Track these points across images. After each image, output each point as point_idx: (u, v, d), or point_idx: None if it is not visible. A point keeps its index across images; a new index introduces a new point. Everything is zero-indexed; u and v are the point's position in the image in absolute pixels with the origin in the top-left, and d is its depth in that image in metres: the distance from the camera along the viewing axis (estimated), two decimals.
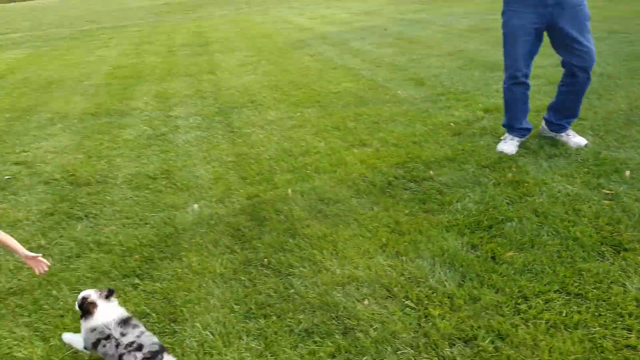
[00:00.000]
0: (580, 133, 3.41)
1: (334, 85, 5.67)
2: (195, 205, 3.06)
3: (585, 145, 3.22)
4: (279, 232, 2.67)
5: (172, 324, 2.06)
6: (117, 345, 1.70)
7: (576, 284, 2.01)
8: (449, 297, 2.05)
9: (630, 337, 1.73)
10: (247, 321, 2.05)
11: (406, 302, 2.06)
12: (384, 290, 2.15)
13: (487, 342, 1.80)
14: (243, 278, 2.32)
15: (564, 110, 3.27)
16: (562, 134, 3.33)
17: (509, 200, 2.71)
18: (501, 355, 1.73)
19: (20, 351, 2.02)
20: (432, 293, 2.09)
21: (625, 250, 2.17)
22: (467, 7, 11.07)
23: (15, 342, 2.07)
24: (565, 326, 1.82)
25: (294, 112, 4.77)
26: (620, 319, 1.81)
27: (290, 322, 2.01)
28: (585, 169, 2.93)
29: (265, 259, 2.44)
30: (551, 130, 3.39)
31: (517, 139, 3.36)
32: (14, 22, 19.93)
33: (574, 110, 3.28)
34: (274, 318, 2.04)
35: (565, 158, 3.13)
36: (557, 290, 2.00)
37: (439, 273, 2.20)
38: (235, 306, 2.14)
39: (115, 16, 18.64)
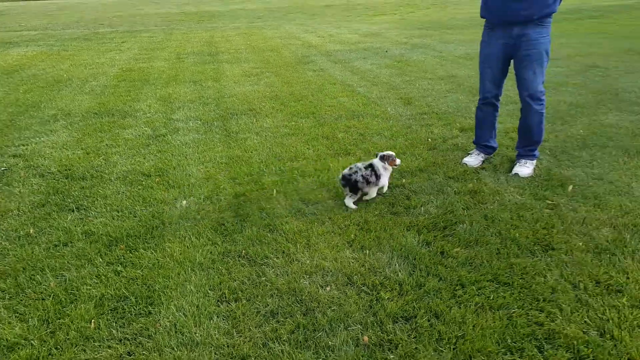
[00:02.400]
0: (541, 151, 3.74)
1: (330, 99, 6.03)
2: (184, 201, 3.32)
3: (524, 176, 3.40)
4: (260, 227, 2.94)
5: (148, 307, 2.26)
6: None
7: (506, 275, 2.34)
8: (399, 284, 2.36)
9: (540, 316, 2.06)
10: (219, 304, 2.28)
11: (363, 288, 2.36)
12: (345, 278, 2.45)
13: (424, 319, 2.11)
14: (220, 267, 2.56)
15: (520, 138, 3.57)
16: (518, 161, 3.57)
17: (465, 206, 3.05)
18: (434, 330, 2.05)
19: None
20: (386, 280, 2.40)
21: (553, 249, 2.51)
22: (466, 36, 11.49)
23: None
24: (490, 307, 2.14)
25: (289, 122, 5.12)
26: (536, 302, 2.15)
27: (259, 305, 2.27)
28: (536, 183, 3.28)
29: (243, 251, 2.70)
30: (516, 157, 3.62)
31: (482, 154, 3.70)
32: (30, 20, 20.45)
33: (531, 139, 3.50)
34: (244, 301, 2.29)
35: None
36: (490, 279, 2.33)
37: (395, 264, 2.52)
38: (209, 291, 2.36)
39: (131, 21, 19.18)
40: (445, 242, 2.66)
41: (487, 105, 3.62)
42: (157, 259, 2.66)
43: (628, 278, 2.27)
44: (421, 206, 3.10)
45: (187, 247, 2.77)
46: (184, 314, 2.22)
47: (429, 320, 2.11)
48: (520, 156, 3.57)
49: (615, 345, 1.89)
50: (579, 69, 6.93)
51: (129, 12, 23.69)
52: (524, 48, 3.30)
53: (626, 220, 2.75)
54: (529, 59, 3.32)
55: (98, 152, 4.36)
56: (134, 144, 4.56)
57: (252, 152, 4.24)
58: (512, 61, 3.46)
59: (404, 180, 3.50)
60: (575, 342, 1.92)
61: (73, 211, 3.24)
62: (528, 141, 3.52)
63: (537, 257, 2.47)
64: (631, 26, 11.87)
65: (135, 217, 3.15)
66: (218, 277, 2.48)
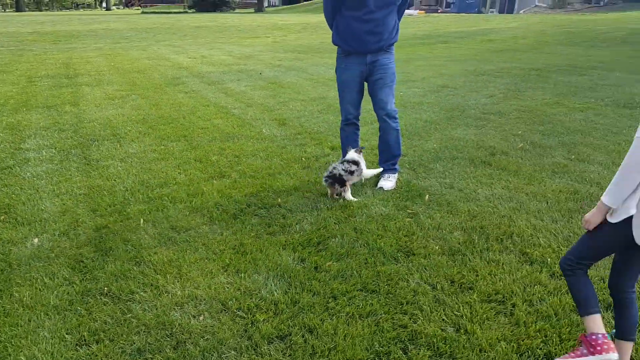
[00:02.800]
0: (402, 165, 4.08)
1: (203, 121, 5.91)
2: (36, 239, 2.99)
3: (388, 189, 3.66)
4: (124, 261, 2.74)
5: None
6: None
7: (374, 283, 2.47)
8: (275, 304, 2.36)
9: (404, 319, 2.21)
10: (78, 348, 2.07)
11: (238, 312, 2.31)
12: (219, 304, 2.37)
13: (298, 336, 2.13)
14: (79, 308, 2.33)
15: (381, 154, 3.85)
16: (382, 175, 3.81)
17: (337, 221, 3.17)
18: (307, 345, 2.07)
19: None
20: (262, 302, 2.38)
21: (414, 254, 2.72)
22: (335, 60, 12.12)
23: None
24: (360, 316, 2.24)
25: (158, 146, 4.89)
26: (400, 306, 2.30)
27: (124, 344, 2.10)
28: (398, 195, 3.55)
29: (106, 288, 2.49)
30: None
31: None
32: None
33: (391, 154, 3.81)
34: (107, 342, 2.11)
35: None
36: (360, 289, 2.44)
37: (271, 284, 2.51)
38: (66, 335, 2.15)
39: None
40: (318, 257, 2.73)
41: (349, 126, 3.90)
42: (2, 307, 2.35)
43: (477, 275, 2.53)
44: (296, 224, 3.15)
45: (40, 289, 2.49)
46: None
47: (303, 336, 2.13)
48: (384, 171, 3.84)
49: (468, 339, 2.09)
50: (432, 89, 7.72)
51: None
52: (377, 73, 3.67)
53: (474, 223, 3.09)
54: (382, 82, 3.68)
55: None
56: None
57: (115, 180, 3.96)
58: (366, 84, 3.78)
59: (279, 200, 3.53)
60: (434, 340, 2.08)
61: None
62: (389, 156, 3.83)
63: (400, 263, 2.66)
64: (474, 50, 13.59)
65: None
66: (76, 319, 2.26)
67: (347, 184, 3.47)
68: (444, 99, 6.93)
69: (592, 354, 1.78)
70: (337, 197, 3.53)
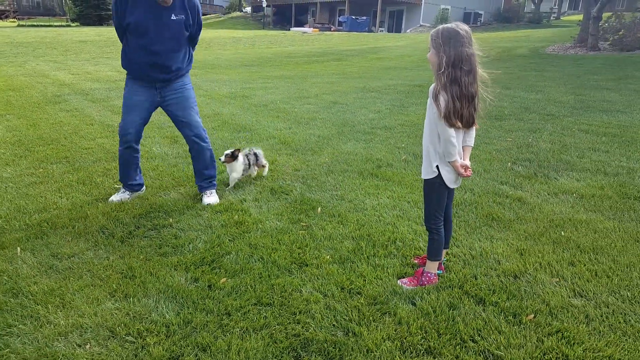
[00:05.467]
0: (295, 180, 4.22)
1: (87, 141, 5.57)
2: None
3: (216, 204, 3.75)
4: None
5: None
6: None
7: (268, 296, 2.54)
8: (166, 326, 2.32)
9: (297, 328, 2.30)
10: None
11: (127, 338, 2.24)
12: (107, 331, 2.28)
13: (191, 356, 2.12)
14: None
15: (198, 174, 3.90)
16: (202, 193, 3.88)
17: (232, 237, 3.19)
18: None
19: None
20: (152, 325, 2.32)
21: (307, 265, 2.84)
22: (230, 76, 12.14)
23: None
24: (254, 329, 2.28)
25: (35, 169, 4.52)
26: (293, 316, 2.38)
27: None
28: (292, 208, 3.66)
29: None
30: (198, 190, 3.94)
31: (128, 192, 3.91)
32: None
33: (209, 172, 3.89)
34: None
35: (280, 201, 3.84)
36: (254, 303, 2.48)
37: (162, 307, 2.46)
38: None
39: None
40: (212, 275, 2.73)
41: (129, 149, 3.75)
42: None
43: (365, 280, 2.70)
44: (189, 243, 3.12)
45: None
46: None
47: (196, 356, 2.12)
48: (204, 188, 3.89)
49: (357, 341, 2.23)
50: (325, 105, 8.05)
51: None
52: (172, 98, 3.64)
53: (362, 232, 3.29)
54: (182, 105, 3.68)
55: None
56: None
57: None
58: (162, 109, 3.74)
59: (171, 220, 3.46)
60: (325, 345, 2.19)
61: None
62: (208, 175, 3.89)
63: (293, 274, 2.75)
64: (364, 67, 14.40)
65: None
66: None
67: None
68: (335, 114, 7.27)
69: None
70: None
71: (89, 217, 3.49)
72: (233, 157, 3.97)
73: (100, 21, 40.06)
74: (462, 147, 2.47)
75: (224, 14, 52.84)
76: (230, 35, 28.08)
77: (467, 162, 2.48)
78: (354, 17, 39.03)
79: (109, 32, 27.68)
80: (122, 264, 2.88)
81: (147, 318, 2.38)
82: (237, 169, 4.02)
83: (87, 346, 2.18)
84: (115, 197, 3.87)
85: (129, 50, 3.49)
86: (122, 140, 3.71)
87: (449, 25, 2.28)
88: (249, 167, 4.11)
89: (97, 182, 4.21)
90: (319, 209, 3.65)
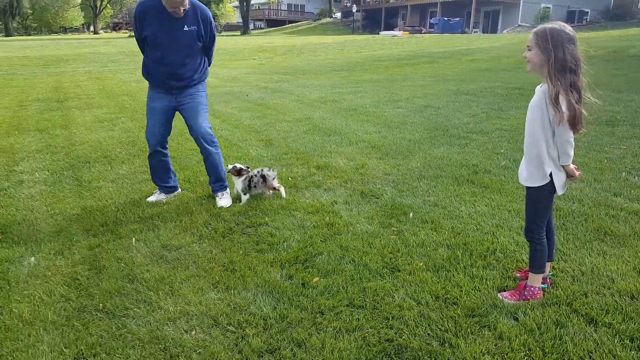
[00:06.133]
0: (386, 184, 4.20)
1: (191, 142, 5.92)
2: (32, 258, 3.06)
3: (227, 207, 3.88)
4: (118, 279, 2.81)
5: None
6: None
7: (360, 299, 2.55)
8: (264, 319, 2.42)
9: (390, 333, 2.28)
10: None
11: (228, 327, 2.38)
12: (210, 320, 2.44)
13: (287, 350, 2.19)
14: (76, 323, 2.41)
15: (210, 176, 4.06)
16: (215, 195, 4.04)
17: (323, 238, 3.26)
18: (296, 359, 2.13)
19: None
20: (251, 317, 2.44)
21: (399, 271, 2.81)
22: (320, 81, 12.39)
23: None
24: (347, 330, 2.31)
25: (147, 167, 4.93)
26: (386, 320, 2.37)
27: (120, 357, 2.18)
28: (383, 213, 3.65)
29: (101, 304, 2.56)
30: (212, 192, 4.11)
31: (163, 193, 4.12)
32: None
33: (217, 176, 4.04)
34: (104, 355, 2.18)
35: (371, 205, 3.84)
36: (346, 304, 2.51)
37: (259, 300, 2.58)
38: (65, 349, 2.22)
39: None
40: (305, 274, 2.81)
41: (156, 154, 4.00)
42: (3, 322, 2.42)
43: (462, 291, 2.61)
44: (283, 242, 3.23)
45: (37, 306, 2.56)
46: None
47: (292, 350, 2.19)
48: (216, 191, 4.05)
49: (453, 352, 2.16)
50: (416, 108, 7.92)
51: None
52: (186, 103, 3.85)
53: (458, 240, 3.18)
54: (193, 111, 3.87)
55: None
56: None
57: (107, 201, 4.02)
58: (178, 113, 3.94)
59: (267, 219, 3.61)
60: (420, 354, 2.15)
61: None
62: (218, 177, 4.04)
63: (385, 279, 2.74)
64: (458, 70, 13.94)
65: None
66: (74, 334, 2.33)
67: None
68: (427, 118, 7.12)
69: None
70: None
71: (194, 213, 3.76)
72: (237, 172, 3.99)
73: None
74: None
75: (314, 21, 54.10)
76: (321, 41, 28.68)
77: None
78: (446, 18, 37.98)
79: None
80: (224, 257, 3.06)
81: (246, 310, 2.50)
82: (237, 186, 4.00)
83: (193, 332, 2.35)
84: (151, 198, 4.07)
85: (148, 62, 3.79)
86: (148, 145, 3.99)
87: (554, 25, 2.20)
88: (252, 188, 3.97)
89: (200, 181, 4.52)
90: (411, 214, 3.60)
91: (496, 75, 12.39)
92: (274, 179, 4.00)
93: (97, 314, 2.49)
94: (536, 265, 2.49)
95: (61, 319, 2.45)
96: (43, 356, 2.18)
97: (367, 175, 4.56)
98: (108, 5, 59.56)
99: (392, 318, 2.39)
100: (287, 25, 53.75)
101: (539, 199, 2.43)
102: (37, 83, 12.33)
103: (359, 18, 47.06)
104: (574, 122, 2.20)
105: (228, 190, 4.09)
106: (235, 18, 62.61)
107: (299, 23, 53.77)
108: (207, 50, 3.86)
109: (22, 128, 6.86)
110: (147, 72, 3.85)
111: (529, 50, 2.25)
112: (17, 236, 3.37)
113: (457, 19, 37.97)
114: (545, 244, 2.47)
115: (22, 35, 52.52)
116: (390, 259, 2.95)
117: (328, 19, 54.00)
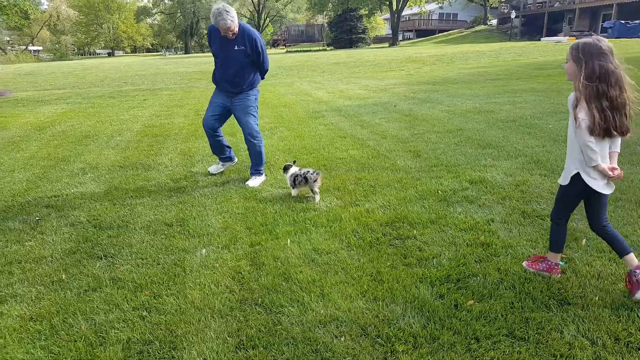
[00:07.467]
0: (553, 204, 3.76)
1: (341, 151, 6.18)
2: (204, 250, 3.43)
3: (252, 186, 4.85)
4: (274, 276, 3.00)
5: (172, 351, 2.34)
6: None
7: (522, 330, 2.32)
8: (413, 337, 2.35)
9: None
10: (238, 351, 2.33)
11: (377, 339, 2.36)
12: (359, 329, 2.45)
13: None
14: (238, 314, 2.62)
15: (251, 163, 5.07)
16: (251, 177, 5.02)
17: (478, 259, 3.06)
18: None
19: None
20: (400, 332, 2.39)
21: (569, 304, 2.49)
22: (474, 90, 11.79)
23: None
24: None
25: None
26: (553, 358, 2.11)
27: (275, 353, 2.30)
28: (549, 236, 3.26)
29: (259, 298, 2.76)
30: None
31: (222, 163, 5.42)
32: (58, 80, 21.41)
33: (255, 162, 5.04)
34: (261, 349, 2.33)
35: (534, 227, 3.51)
36: (505, 334, 2.31)
37: (409, 316, 2.52)
38: (228, 338, 2.43)
39: (152, 80, 19.93)
40: (458, 295, 2.66)
41: (210, 133, 5.09)
42: (179, 305, 2.74)
43: None
44: (433, 258, 3.12)
45: (207, 294, 2.85)
46: (204, 359, 2.27)
47: None
48: (252, 174, 5.05)
49: None
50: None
51: (150, 71, 24.62)
52: (237, 104, 4.88)
53: None
54: (242, 111, 4.87)
55: (123, 204, 4.53)
56: (156, 196, 4.72)
57: (266, 203, 4.34)
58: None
59: (415, 232, 3.53)
60: None
61: (101, 258, 3.39)
62: (255, 163, 5.03)
63: (552, 311, 2.45)
64: (637, 78, 12.06)
65: (159, 264, 3.27)
66: (236, 324, 2.54)
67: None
68: None
69: None
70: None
71: (343, 220, 3.85)
72: (284, 169, 4.60)
73: (350, 44, 44.41)
74: (609, 153, 2.52)
75: (467, 29, 52.07)
76: (473, 49, 27.43)
77: (615, 165, 2.51)
78: (623, 21, 33.37)
79: (359, 54, 30.44)
80: (371, 267, 3.06)
81: (395, 324, 2.46)
82: (287, 180, 4.55)
83: (342, 339, 2.38)
84: (211, 168, 5.40)
85: (215, 71, 4.87)
86: (204, 128, 5.09)
87: (589, 39, 2.42)
88: (297, 185, 4.44)
89: (349, 189, 4.62)
90: (584, 240, 3.19)
91: None
92: (314, 181, 4.34)
93: (256, 308, 2.68)
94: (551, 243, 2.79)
95: (226, 309, 2.69)
96: (210, 342, 2.40)
97: (529, 193, 4.18)
98: (270, 23, 64.98)
99: (561, 356, 2.12)
100: (436, 35, 52.63)
101: (562, 196, 2.71)
102: (210, 94, 13.92)
103: (517, 24, 43.99)
104: (592, 128, 2.37)
105: (263, 176, 5.07)
106: (385, 30, 63.38)
107: (449, 32, 52.23)
108: (259, 66, 4.81)
109: (198, 134, 7.80)
110: (213, 78, 4.97)
111: (567, 62, 2.48)
112: (192, 229, 3.82)
113: (638, 21, 33.06)
114: (561, 229, 2.75)
115: (197, 53, 60.26)
116: (557, 289, 2.65)
117: (482, 27, 51.49)
